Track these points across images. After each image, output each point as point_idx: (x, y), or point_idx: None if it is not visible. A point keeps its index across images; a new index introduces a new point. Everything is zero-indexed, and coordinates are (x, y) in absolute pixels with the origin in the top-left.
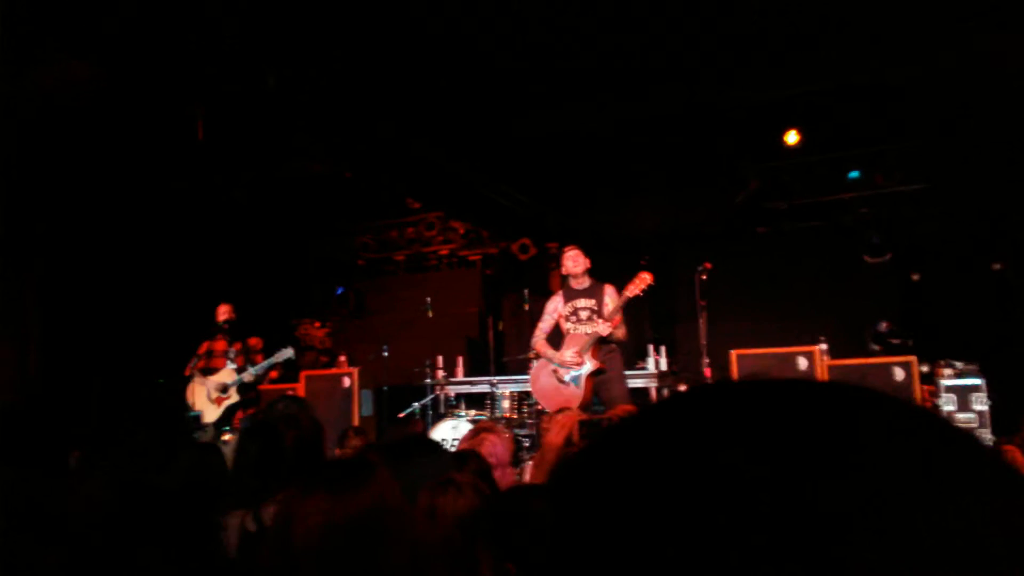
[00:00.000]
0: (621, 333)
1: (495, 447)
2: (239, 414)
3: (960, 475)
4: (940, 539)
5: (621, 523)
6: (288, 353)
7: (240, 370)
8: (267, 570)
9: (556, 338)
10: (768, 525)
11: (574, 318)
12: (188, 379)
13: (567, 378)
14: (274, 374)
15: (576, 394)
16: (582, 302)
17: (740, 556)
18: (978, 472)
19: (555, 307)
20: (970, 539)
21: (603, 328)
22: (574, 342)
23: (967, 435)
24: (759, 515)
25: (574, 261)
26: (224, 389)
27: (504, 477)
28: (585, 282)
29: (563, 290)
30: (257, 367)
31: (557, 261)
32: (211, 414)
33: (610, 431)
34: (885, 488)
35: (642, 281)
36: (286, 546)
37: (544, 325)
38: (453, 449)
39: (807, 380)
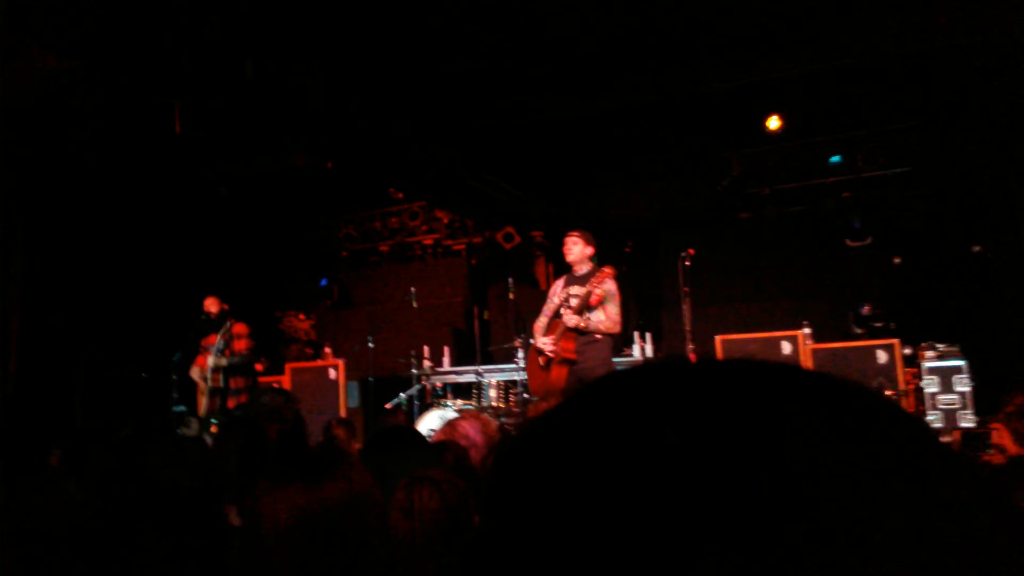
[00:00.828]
0: (605, 325)
1: (467, 430)
2: (230, 402)
3: (908, 463)
4: (882, 532)
5: (553, 508)
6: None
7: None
8: (246, 563)
9: None
10: (715, 517)
11: (566, 304)
12: (178, 375)
13: (543, 364)
14: (259, 367)
15: (547, 379)
16: (575, 289)
17: (682, 549)
18: (925, 459)
19: (554, 291)
20: (918, 533)
21: (570, 319)
22: (554, 329)
23: (917, 421)
24: (703, 505)
25: (566, 247)
26: (206, 380)
27: (480, 457)
28: (584, 269)
29: (567, 275)
30: (216, 349)
31: (542, 249)
32: (203, 408)
33: (548, 414)
34: (833, 478)
35: (602, 275)
36: (257, 539)
37: (546, 308)
38: None
39: (769, 363)
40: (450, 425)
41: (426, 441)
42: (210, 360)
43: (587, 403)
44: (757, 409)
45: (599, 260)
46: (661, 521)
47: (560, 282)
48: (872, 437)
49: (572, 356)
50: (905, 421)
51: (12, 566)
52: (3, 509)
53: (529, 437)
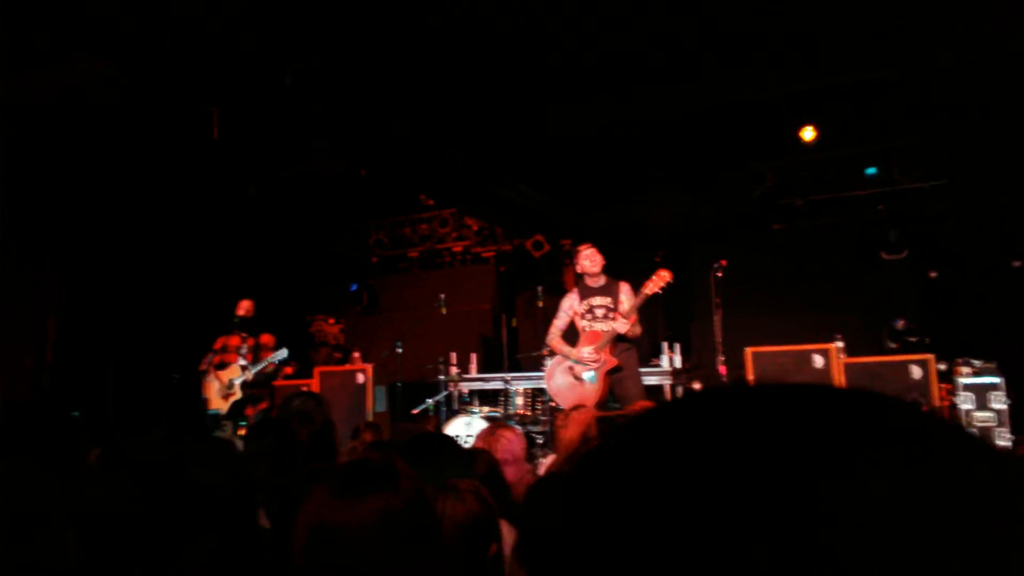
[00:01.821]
0: (637, 330)
1: (511, 444)
2: (248, 410)
3: (974, 483)
4: (947, 551)
5: (628, 526)
6: (282, 354)
7: (246, 367)
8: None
9: (571, 336)
10: (777, 537)
11: (590, 316)
12: (202, 374)
13: (584, 376)
14: (288, 370)
15: (593, 391)
16: (597, 299)
17: (744, 567)
18: (991, 480)
19: (570, 305)
20: (980, 556)
21: (621, 325)
22: (591, 339)
23: (979, 440)
24: (769, 527)
25: (591, 260)
26: (231, 386)
27: (520, 473)
28: (600, 280)
29: (578, 288)
30: (254, 366)
31: (571, 258)
32: (223, 409)
33: (624, 430)
34: (900, 500)
35: (661, 279)
36: (284, 545)
37: (559, 323)
38: (466, 446)
39: (822, 385)
40: (494, 436)
41: (459, 448)
42: (238, 376)
43: (666, 430)
44: (823, 438)
45: (628, 269)
46: (729, 551)
47: (574, 296)
48: (940, 460)
49: (619, 363)
50: (975, 445)
51: (56, 559)
52: (45, 504)
53: (606, 463)
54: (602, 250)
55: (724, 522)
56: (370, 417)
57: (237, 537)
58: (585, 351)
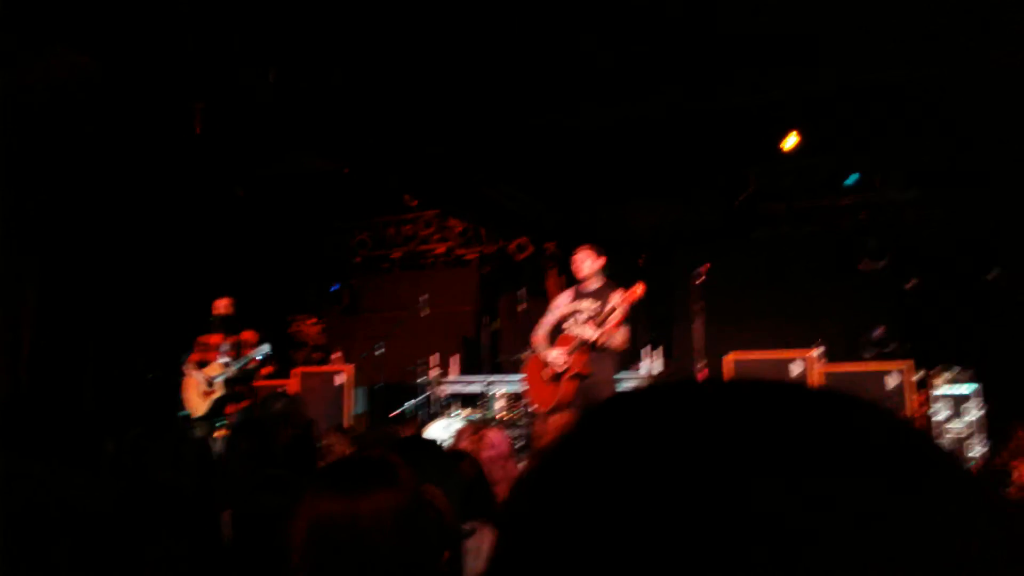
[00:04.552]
0: (618, 341)
1: (495, 441)
2: (228, 408)
3: (929, 491)
4: (892, 557)
5: (575, 536)
6: (264, 349)
7: (228, 364)
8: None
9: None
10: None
11: (572, 319)
12: (181, 373)
13: (550, 377)
14: (266, 370)
15: (555, 394)
16: (586, 303)
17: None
18: (944, 486)
19: (561, 303)
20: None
21: (587, 332)
22: (564, 342)
23: (934, 444)
24: (720, 536)
25: (575, 265)
26: (211, 383)
27: (508, 469)
28: (594, 284)
29: (574, 288)
30: (236, 363)
31: (554, 260)
32: (201, 408)
33: (575, 426)
34: (850, 503)
35: (632, 294)
36: (318, 545)
37: (547, 319)
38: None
39: (778, 382)
40: (477, 435)
41: (443, 453)
42: (219, 374)
43: (608, 430)
44: (770, 433)
45: (610, 273)
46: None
47: (567, 295)
48: (880, 460)
49: (586, 371)
50: (924, 446)
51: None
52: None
53: (549, 466)
54: (600, 254)
55: (661, 527)
56: (349, 419)
57: (199, 539)
58: (554, 353)
